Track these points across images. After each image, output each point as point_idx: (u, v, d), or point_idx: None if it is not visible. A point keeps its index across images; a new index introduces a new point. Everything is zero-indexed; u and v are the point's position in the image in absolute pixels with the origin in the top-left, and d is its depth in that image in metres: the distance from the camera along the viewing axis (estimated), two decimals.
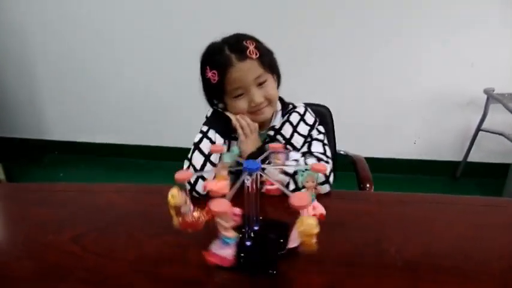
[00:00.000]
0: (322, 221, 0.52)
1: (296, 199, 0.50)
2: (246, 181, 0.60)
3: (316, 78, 2.21)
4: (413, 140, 2.36)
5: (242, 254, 0.62)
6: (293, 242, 0.60)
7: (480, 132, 2.13)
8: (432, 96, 2.21)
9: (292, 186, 0.84)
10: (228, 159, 0.65)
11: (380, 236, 0.72)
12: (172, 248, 0.68)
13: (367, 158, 1.30)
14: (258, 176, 0.62)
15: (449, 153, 2.35)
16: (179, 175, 0.59)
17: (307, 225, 0.49)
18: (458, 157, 2.32)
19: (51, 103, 2.72)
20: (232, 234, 0.55)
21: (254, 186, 0.62)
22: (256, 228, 0.68)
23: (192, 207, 0.58)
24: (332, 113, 1.32)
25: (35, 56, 2.56)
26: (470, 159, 2.28)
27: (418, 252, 0.67)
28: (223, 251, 0.57)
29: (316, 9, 2.08)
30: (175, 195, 0.56)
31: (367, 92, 2.25)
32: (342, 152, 1.40)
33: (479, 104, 2.08)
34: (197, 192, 0.83)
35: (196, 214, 0.57)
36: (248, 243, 0.65)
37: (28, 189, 0.95)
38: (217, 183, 0.60)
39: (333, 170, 0.89)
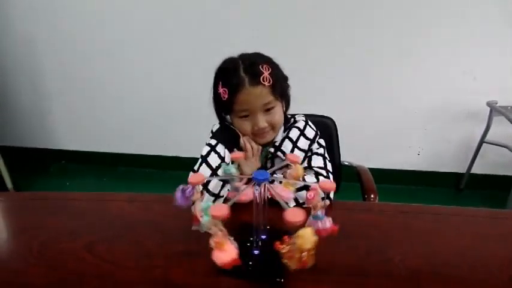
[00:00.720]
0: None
1: (290, 215, 0.52)
2: (255, 191, 0.62)
3: (320, 89, 2.23)
4: (417, 151, 2.38)
5: (250, 262, 0.64)
6: None
7: (484, 144, 2.14)
8: (436, 108, 2.23)
9: (292, 204, 0.84)
10: (228, 170, 0.68)
11: (384, 245, 0.73)
12: (181, 256, 0.70)
13: (370, 169, 1.32)
14: (266, 187, 0.64)
15: (453, 164, 2.36)
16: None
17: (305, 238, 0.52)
18: (462, 169, 2.33)
19: (58, 112, 2.76)
20: None
21: (262, 196, 0.64)
22: (263, 237, 0.70)
23: None
24: (336, 124, 1.34)
25: (43, 65, 2.60)
26: (473, 171, 2.28)
27: (422, 262, 0.68)
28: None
29: (321, 19, 2.11)
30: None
31: (371, 104, 2.27)
32: (346, 163, 1.43)
33: (483, 116, 2.09)
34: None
35: None
36: (256, 251, 0.67)
37: (39, 198, 0.97)
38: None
39: (335, 179, 0.91)
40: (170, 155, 2.70)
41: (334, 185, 0.64)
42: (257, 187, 0.62)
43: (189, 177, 0.65)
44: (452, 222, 0.82)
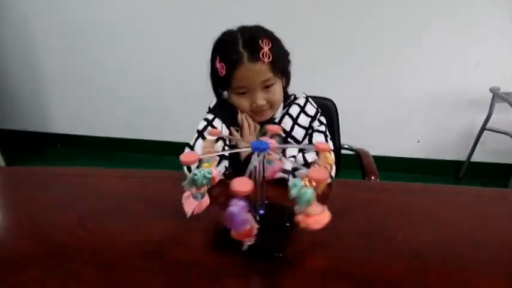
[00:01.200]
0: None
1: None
2: (254, 162, 0.59)
3: (321, 74, 2.20)
4: (417, 139, 2.35)
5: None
6: None
7: (485, 131, 2.11)
8: (437, 95, 2.20)
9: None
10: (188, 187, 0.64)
11: (386, 223, 0.71)
12: (176, 231, 0.68)
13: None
14: (265, 159, 0.61)
15: (454, 152, 2.33)
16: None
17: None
18: (462, 157, 2.31)
19: (54, 96, 2.72)
20: None
21: (261, 168, 0.61)
22: (262, 212, 0.67)
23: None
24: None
25: (39, 49, 2.56)
26: (474, 159, 2.26)
27: (426, 240, 0.66)
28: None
29: (322, 7, 2.07)
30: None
31: (371, 91, 2.24)
32: (346, 146, 1.40)
33: (484, 103, 2.06)
34: None
35: None
36: None
37: (31, 173, 0.94)
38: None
39: (336, 162, 0.88)
40: (167, 140, 2.67)
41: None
42: (256, 157, 0.59)
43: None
44: (456, 201, 0.80)
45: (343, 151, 1.36)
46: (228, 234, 0.61)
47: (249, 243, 0.56)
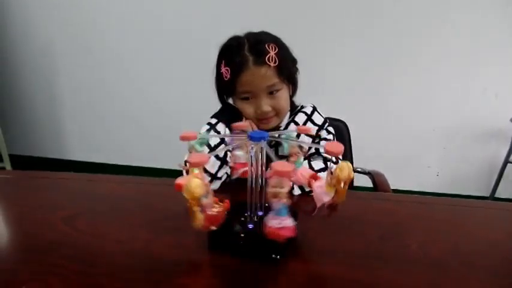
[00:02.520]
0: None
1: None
2: (250, 152, 0.55)
3: (335, 95, 2.17)
4: (436, 171, 2.25)
5: (242, 235, 0.55)
6: (322, 198, 0.51)
7: (508, 164, 2.01)
8: (456, 126, 2.13)
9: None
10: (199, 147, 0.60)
11: (400, 232, 0.64)
12: (167, 232, 0.63)
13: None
14: (264, 151, 0.57)
15: (475, 187, 2.21)
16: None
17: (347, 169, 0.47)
18: (485, 192, 2.18)
19: (69, 124, 2.78)
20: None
21: (260, 161, 0.57)
22: (260, 213, 0.62)
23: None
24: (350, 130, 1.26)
25: (59, 77, 2.65)
26: (498, 194, 2.13)
27: (445, 249, 0.58)
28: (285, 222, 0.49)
29: (340, 29, 2.08)
30: (198, 185, 0.45)
31: (386, 118, 2.19)
32: (359, 170, 1.33)
33: (506, 134, 1.98)
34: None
35: (216, 208, 0.52)
36: (250, 225, 0.58)
37: (31, 176, 0.92)
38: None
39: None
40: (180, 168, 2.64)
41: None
42: (252, 146, 0.54)
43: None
44: (480, 215, 0.72)
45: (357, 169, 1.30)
46: (222, 234, 0.56)
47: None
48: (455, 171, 2.22)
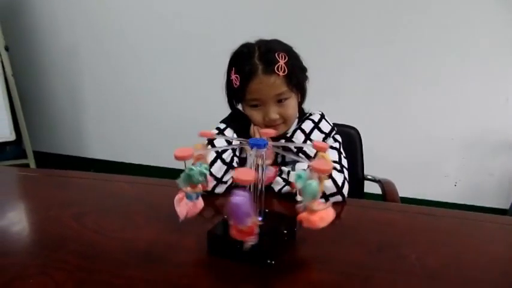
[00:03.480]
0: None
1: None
2: (248, 157, 0.56)
3: (348, 101, 2.14)
4: (453, 181, 2.19)
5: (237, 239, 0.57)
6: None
7: None
8: (475, 136, 2.07)
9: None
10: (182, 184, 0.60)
11: (399, 242, 0.64)
12: (170, 232, 0.65)
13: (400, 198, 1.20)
14: (264, 157, 0.58)
15: (494, 200, 2.14)
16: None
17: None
18: (504, 204, 2.11)
19: (91, 122, 2.87)
20: None
21: (260, 166, 0.58)
22: (259, 219, 0.63)
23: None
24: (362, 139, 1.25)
25: (83, 78, 2.74)
26: None
27: (444, 261, 0.58)
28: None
29: (356, 37, 2.07)
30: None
31: (402, 125, 2.15)
32: (369, 177, 1.32)
33: None
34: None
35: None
36: None
37: (47, 174, 0.97)
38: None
39: (348, 180, 0.82)
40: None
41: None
42: (252, 152, 0.56)
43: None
44: (484, 228, 0.71)
45: (366, 182, 1.29)
46: (222, 238, 0.57)
47: (251, 243, 0.52)
48: (473, 182, 2.15)
